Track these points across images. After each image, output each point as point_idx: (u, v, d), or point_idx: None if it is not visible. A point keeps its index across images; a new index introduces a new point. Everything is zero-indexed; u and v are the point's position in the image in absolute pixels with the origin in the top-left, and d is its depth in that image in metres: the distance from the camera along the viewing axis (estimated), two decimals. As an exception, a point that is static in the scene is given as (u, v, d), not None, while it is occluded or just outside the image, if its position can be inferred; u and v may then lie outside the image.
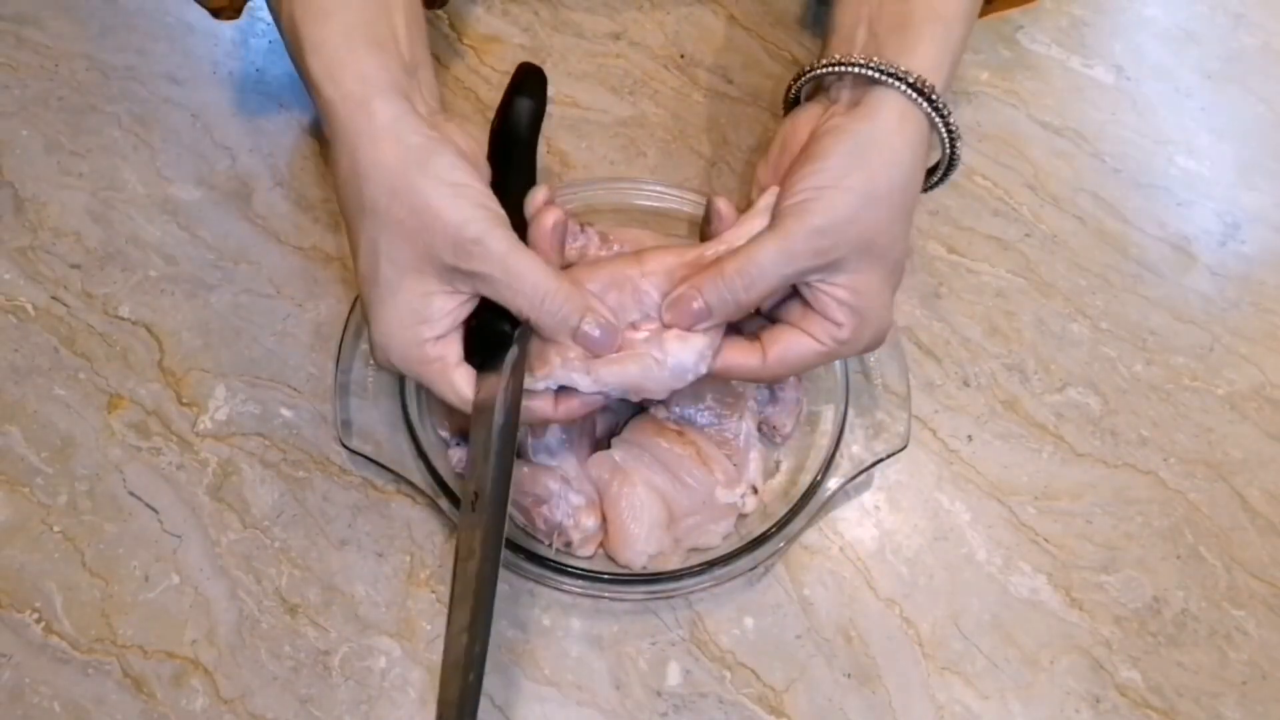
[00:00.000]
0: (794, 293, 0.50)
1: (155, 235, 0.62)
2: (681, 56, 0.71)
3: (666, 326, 0.49)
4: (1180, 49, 0.75)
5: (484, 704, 0.51)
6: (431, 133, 0.47)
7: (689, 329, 0.48)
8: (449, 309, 0.47)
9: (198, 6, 0.64)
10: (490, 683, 0.52)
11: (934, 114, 0.49)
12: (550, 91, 0.57)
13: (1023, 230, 0.66)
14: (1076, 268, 0.65)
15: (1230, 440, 0.60)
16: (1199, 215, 0.68)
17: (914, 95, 0.48)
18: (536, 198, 0.52)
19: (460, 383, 0.48)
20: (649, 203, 0.61)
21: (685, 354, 0.48)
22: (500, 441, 0.47)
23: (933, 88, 0.49)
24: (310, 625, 0.52)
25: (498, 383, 0.48)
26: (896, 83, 0.48)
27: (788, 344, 0.49)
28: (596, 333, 0.47)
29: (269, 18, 0.70)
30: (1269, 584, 0.56)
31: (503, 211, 0.47)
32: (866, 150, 0.48)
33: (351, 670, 0.51)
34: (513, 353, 0.48)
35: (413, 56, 0.50)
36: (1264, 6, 0.77)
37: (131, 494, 0.55)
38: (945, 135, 0.50)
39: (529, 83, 0.56)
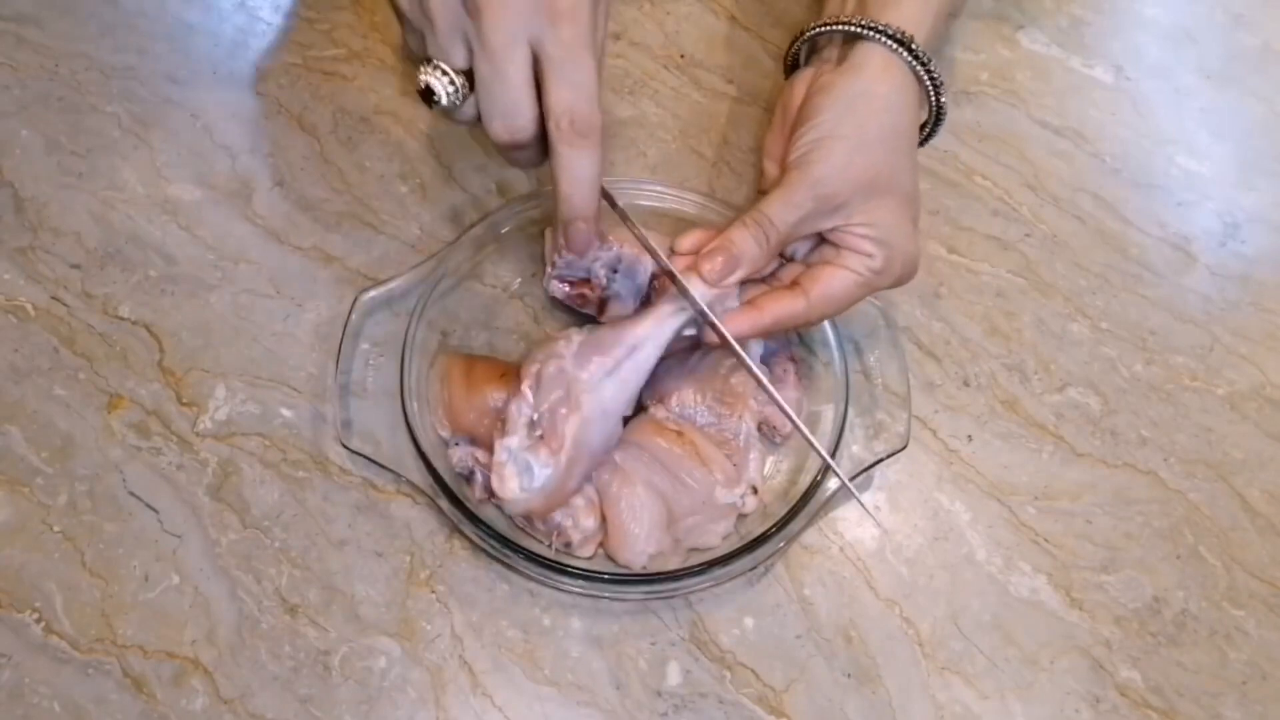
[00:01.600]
0: (824, 240, 0.53)
1: (155, 235, 0.62)
2: (681, 56, 0.71)
3: (703, 277, 0.51)
4: (1180, 49, 0.75)
5: (484, 704, 0.51)
6: None
7: (721, 281, 0.51)
8: None
9: (199, 6, 0.64)
10: (490, 682, 0.52)
11: (914, 63, 0.53)
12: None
13: (1023, 230, 0.66)
14: (1076, 268, 0.65)
15: (1230, 440, 0.60)
16: (1199, 215, 0.68)
17: (894, 46, 0.52)
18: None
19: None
20: (649, 203, 0.61)
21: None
22: None
23: (912, 38, 0.52)
24: (310, 625, 0.52)
25: None
26: (877, 35, 0.52)
27: (828, 280, 0.52)
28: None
29: (269, 17, 0.70)
30: (1269, 584, 0.56)
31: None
32: (855, 101, 0.52)
33: (351, 670, 0.51)
34: None
35: None
36: (1264, 6, 0.77)
37: (131, 494, 0.55)
38: (929, 84, 0.53)
39: None
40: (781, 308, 0.51)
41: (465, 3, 0.45)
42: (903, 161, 0.53)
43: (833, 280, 0.52)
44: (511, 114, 0.46)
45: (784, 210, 0.51)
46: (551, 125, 0.47)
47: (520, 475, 0.50)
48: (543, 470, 0.50)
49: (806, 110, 0.53)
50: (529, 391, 0.51)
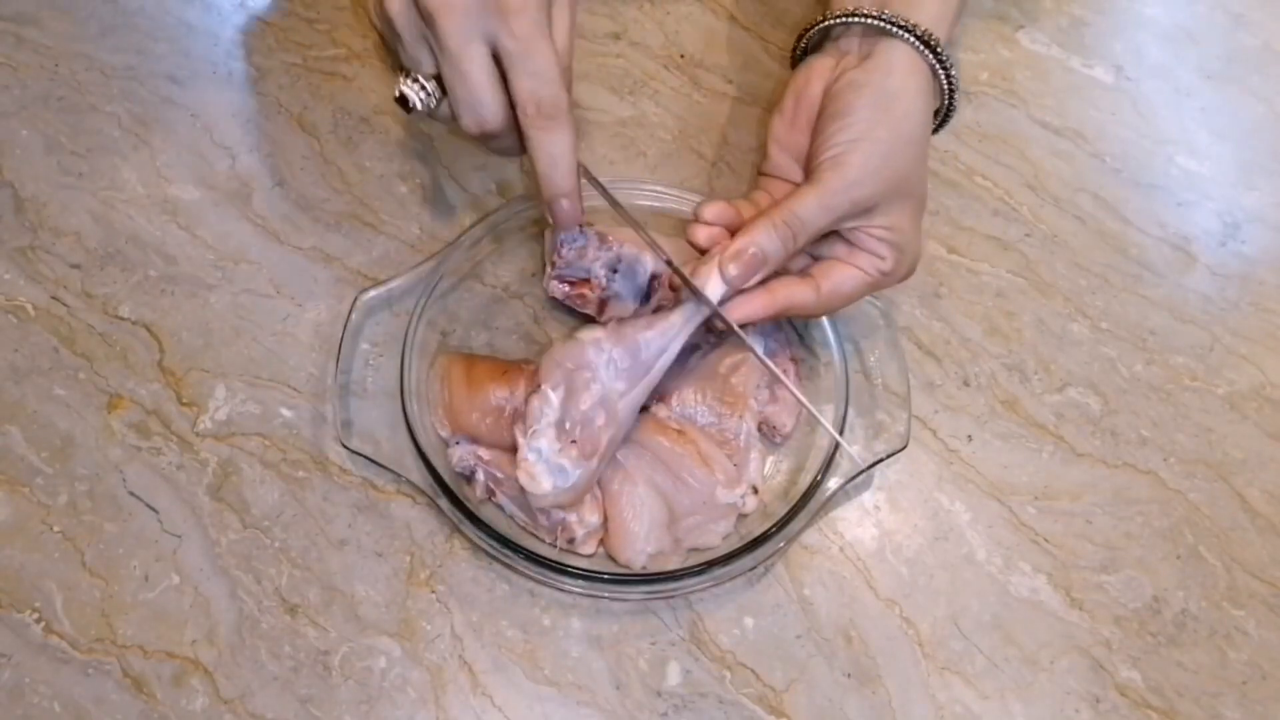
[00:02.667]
0: (837, 234, 0.53)
1: (155, 235, 0.62)
2: (681, 56, 0.71)
3: (727, 280, 0.51)
4: (1180, 49, 0.75)
5: (484, 704, 0.51)
6: None
7: (748, 280, 0.50)
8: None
9: (198, 6, 0.64)
10: (490, 682, 0.52)
11: (938, 65, 0.52)
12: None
13: (1023, 230, 0.66)
14: (1076, 268, 0.65)
15: (1230, 440, 0.60)
16: (1199, 215, 0.68)
17: (921, 47, 0.52)
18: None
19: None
20: (649, 203, 0.61)
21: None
22: None
23: (939, 40, 0.52)
24: (310, 625, 0.52)
25: None
26: (905, 34, 0.51)
27: (839, 277, 0.52)
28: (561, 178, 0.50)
29: (269, 17, 0.70)
30: (1269, 584, 0.56)
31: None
32: (888, 102, 0.51)
33: (351, 670, 0.51)
34: None
35: None
36: (1264, 6, 0.77)
37: (131, 494, 0.55)
38: (946, 86, 0.54)
39: None
40: (793, 294, 0.52)
41: (421, 13, 0.47)
42: (922, 166, 0.53)
43: (844, 278, 0.52)
44: (478, 109, 0.49)
45: (819, 213, 0.50)
46: (520, 114, 0.49)
47: (553, 475, 0.51)
48: (576, 471, 0.51)
49: (837, 107, 0.52)
50: (552, 394, 0.52)
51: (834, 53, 0.55)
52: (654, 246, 0.53)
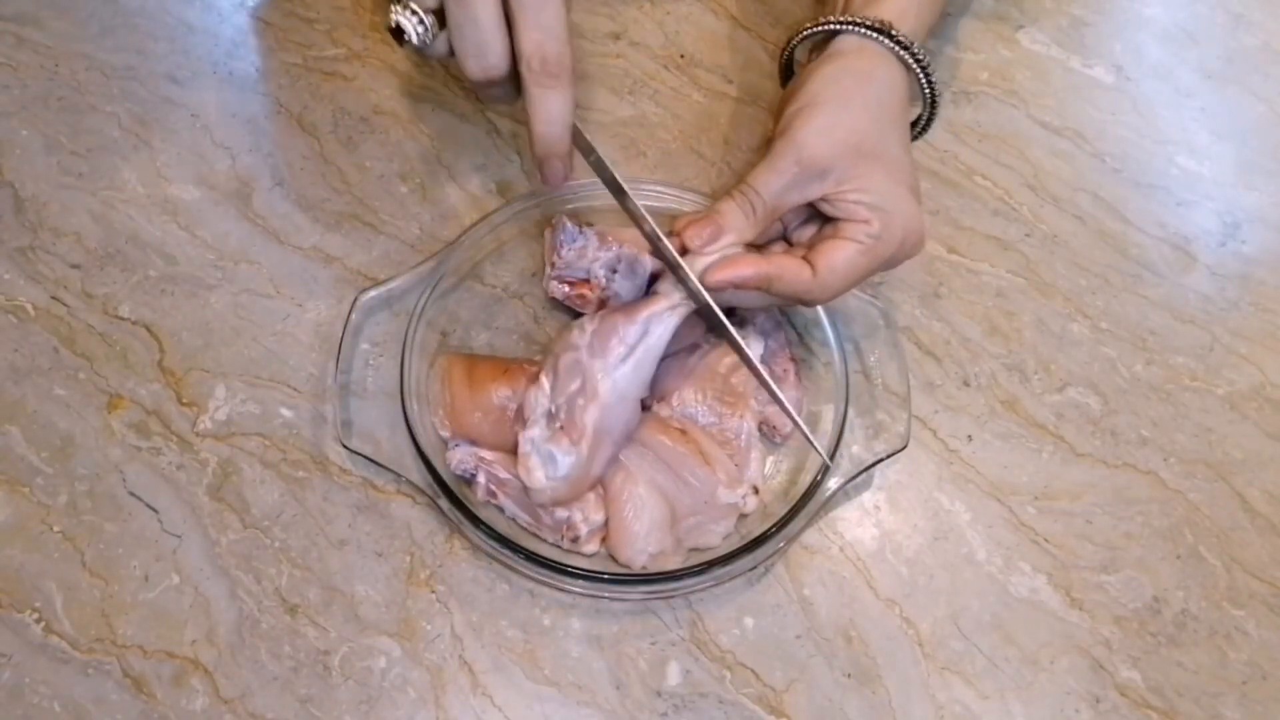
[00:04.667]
0: (825, 219, 0.53)
1: (155, 235, 0.62)
2: (681, 56, 0.71)
3: (685, 251, 0.52)
4: (1180, 49, 0.75)
5: (484, 704, 0.51)
6: None
7: (705, 246, 0.51)
8: None
9: (199, 6, 0.64)
10: (490, 682, 0.52)
11: (894, 46, 0.53)
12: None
13: (1023, 230, 0.66)
14: (1076, 268, 0.65)
15: (1230, 440, 0.60)
16: (1199, 215, 0.68)
17: (869, 34, 0.54)
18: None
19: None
20: (649, 203, 0.61)
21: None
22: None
23: (890, 25, 0.53)
24: (310, 625, 0.52)
25: None
26: (853, 28, 0.54)
27: (831, 252, 0.51)
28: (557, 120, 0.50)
29: (269, 17, 0.70)
30: (1269, 584, 0.56)
31: None
32: (836, 75, 0.53)
33: (351, 670, 0.51)
34: None
35: None
36: (1264, 6, 0.77)
37: (131, 494, 0.55)
38: (912, 64, 0.54)
39: None
40: (786, 265, 0.51)
41: None
42: (889, 132, 0.53)
43: (835, 252, 0.51)
44: (483, 53, 0.48)
45: (768, 177, 0.51)
46: (523, 67, 0.48)
47: (545, 465, 0.51)
48: (565, 459, 0.51)
49: (790, 90, 0.54)
50: (546, 382, 0.53)
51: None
52: (640, 221, 0.53)
